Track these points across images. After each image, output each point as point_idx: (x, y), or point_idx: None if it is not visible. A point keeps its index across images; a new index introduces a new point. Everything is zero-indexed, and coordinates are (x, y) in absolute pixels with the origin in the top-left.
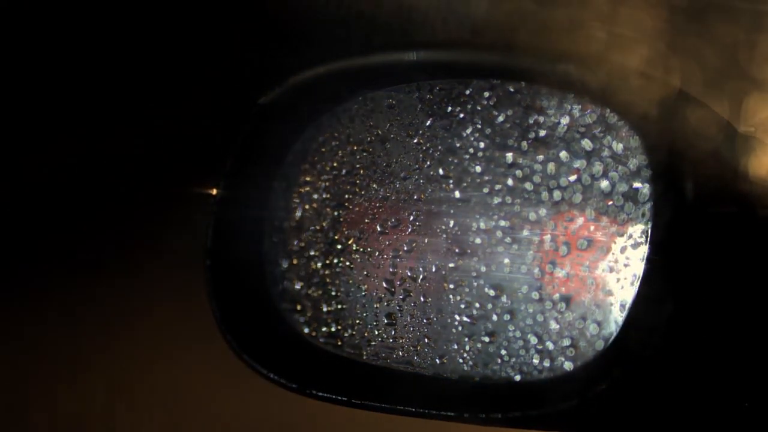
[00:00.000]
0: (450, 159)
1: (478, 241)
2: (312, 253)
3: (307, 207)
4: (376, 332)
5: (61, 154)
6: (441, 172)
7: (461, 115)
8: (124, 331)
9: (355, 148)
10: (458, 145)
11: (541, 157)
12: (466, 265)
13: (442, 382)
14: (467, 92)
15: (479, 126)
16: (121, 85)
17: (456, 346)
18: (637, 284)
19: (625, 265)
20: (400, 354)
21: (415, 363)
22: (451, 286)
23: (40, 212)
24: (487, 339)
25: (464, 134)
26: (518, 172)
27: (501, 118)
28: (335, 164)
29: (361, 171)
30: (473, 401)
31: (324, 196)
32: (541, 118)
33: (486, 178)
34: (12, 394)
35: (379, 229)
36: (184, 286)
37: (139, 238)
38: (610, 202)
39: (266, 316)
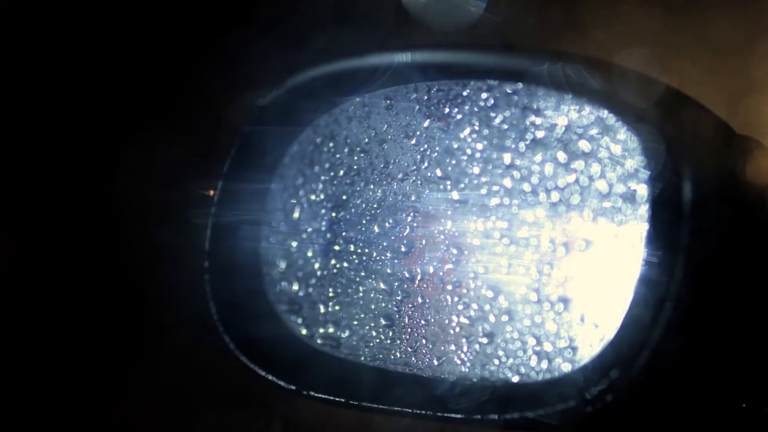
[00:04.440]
0: (448, 160)
1: (475, 242)
2: (309, 254)
3: (304, 208)
4: (374, 333)
5: (61, 154)
6: (439, 173)
7: (459, 117)
8: (124, 332)
9: (353, 149)
10: (456, 146)
11: (538, 159)
12: (463, 267)
13: (439, 383)
14: (465, 93)
15: (477, 127)
16: (117, 85)
17: (454, 348)
18: (634, 286)
19: (623, 267)
20: (398, 355)
21: (413, 364)
22: (449, 288)
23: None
24: (484, 340)
25: (462, 135)
26: (516, 174)
27: (498, 120)
28: (332, 165)
29: (359, 172)
30: (470, 402)
31: (321, 197)
32: (539, 119)
33: (484, 179)
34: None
35: (376, 230)
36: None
37: (139, 239)
38: (608, 204)
39: (264, 317)
